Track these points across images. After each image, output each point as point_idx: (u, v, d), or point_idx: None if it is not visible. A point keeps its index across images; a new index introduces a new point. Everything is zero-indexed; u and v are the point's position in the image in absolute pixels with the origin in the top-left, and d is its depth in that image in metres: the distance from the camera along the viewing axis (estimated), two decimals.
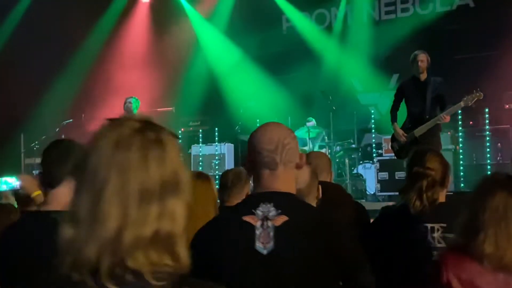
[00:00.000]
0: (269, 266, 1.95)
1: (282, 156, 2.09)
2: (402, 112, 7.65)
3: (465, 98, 7.09)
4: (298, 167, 2.17)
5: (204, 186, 3.09)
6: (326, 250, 1.97)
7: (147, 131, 1.20)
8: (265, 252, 1.96)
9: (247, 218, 2.01)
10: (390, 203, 4.38)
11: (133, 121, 1.21)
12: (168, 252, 1.17)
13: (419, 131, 7.21)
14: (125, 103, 9.53)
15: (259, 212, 2.01)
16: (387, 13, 12.39)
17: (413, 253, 2.78)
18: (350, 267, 2.03)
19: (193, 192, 3.04)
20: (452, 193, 7.26)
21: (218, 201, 3.72)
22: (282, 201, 2.04)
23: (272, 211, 2.00)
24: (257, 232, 1.98)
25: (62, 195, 2.44)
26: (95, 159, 1.17)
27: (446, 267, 2.22)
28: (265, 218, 2.00)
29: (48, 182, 2.50)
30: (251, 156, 2.15)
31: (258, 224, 1.99)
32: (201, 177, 3.15)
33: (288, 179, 2.13)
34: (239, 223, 2.02)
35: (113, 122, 1.22)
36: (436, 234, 2.79)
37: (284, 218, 1.98)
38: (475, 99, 7.06)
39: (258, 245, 1.97)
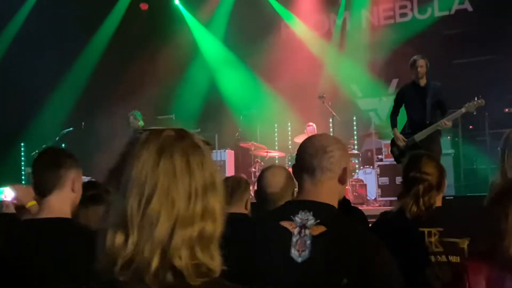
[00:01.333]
0: (302, 274, 1.94)
1: (321, 161, 2.09)
2: (402, 117, 7.67)
3: (466, 105, 7.11)
4: (340, 181, 2.13)
5: None
6: (360, 267, 1.93)
7: (184, 138, 1.31)
8: (299, 260, 1.95)
9: (285, 224, 2.01)
10: (390, 208, 4.38)
11: (169, 130, 1.32)
12: (207, 252, 1.25)
13: (419, 136, 7.22)
14: (129, 118, 9.65)
15: (297, 219, 2.00)
16: (385, 18, 12.41)
17: (411, 258, 2.76)
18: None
19: None
20: (452, 198, 7.28)
21: None
22: (322, 211, 2.03)
23: (311, 220, 1.99)
24: (294, 239, 1.97)
25: (54, 203, 2.50)
26: (140, 166, 1.25)
27: (467, 275, 2.20)
28: (303, 226, 1.99)
29: (39, 191, 2.56)
30: (296, 162, 2.18)
31: (295, 231, 1.99)
32: None
33: (329, 190, 2.11)
34: (277, 227, 2.01)
35: (152, 132, 1.31)
36: (433, 239, 2.79)
37: (322, 229, 1.97)
38: (477, 106, 7.08)
39: (294, 252, 1.96)
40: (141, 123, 9.68)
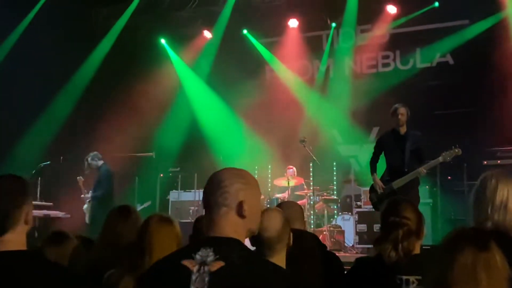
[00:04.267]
0: None
1: (215, 197, 2.14)
2: (382, 163, 7.70)
3: (443, 154, 7.20)
4: (239, 214, 2.14)
5: (167, 229, 3.07)
6: None
7: None
8: None
9: (185, 262, 2.02)
10: (366, 255, 4.34)
11: None
12: None
13: (397, 183, 7.25)
14: (87, 160, 9.74)
15: (198, 256, 2.01)
16: (368, 67, 12.60)
17: None
18: None
19: (156, 236, 3.06)
20: (429, 247, 7.24)
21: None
22: (223, 247, 2.04)
23: (211, 256, 2.00)
24: (193, 277, 1.98)
25: (10, 237, 2.37)
26: None
27: None
28: (203, 263, 2.00)
29: None
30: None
31: (195, 269, 1.99)
32: (163, 220, 3.12)
33: (231, 224, 2.13)
34: (177, 266, 2.02)
35: None
36: (411, 287, 2.74)
37: (220, 264, 1.98)
38: (454, 155, 7.19)
39: None
40: (101, 161, 9.84)
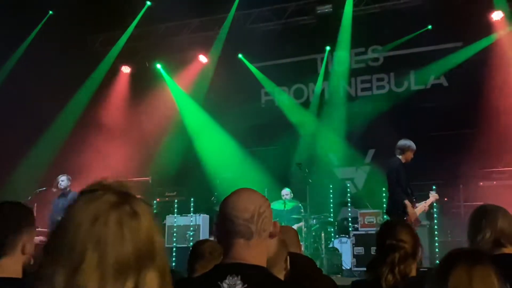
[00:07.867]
0: None
1: (258, 225, 2.03)
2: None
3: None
4: (272, 236, 2.10)
5: None
6: None
7: (123, 204, 1.21)
8: None
9: None
10: (361, 278, 4.32)
11: (110, 195, 1.21)
12: None
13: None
14: (62, 181, 9.50)
15: (225, 285, 1.94)
16: (363, 90, 12.66)
17: None
18: None
19: None
20: (426, 269, 7.22)
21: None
22: (250, 274, 1.97)
23: (239, 285, 1.93)
24: None
25: (4, 263, 2.40)
26: (72, 234, 1.15)
27: None
28: None
29: None
30: (223, 224, 2.07)
31: None
32: None
33: (261, 250, 2.06)
34: None
35: (91, 196, 1.21)
36: None
37: None
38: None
39: None
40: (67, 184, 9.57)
